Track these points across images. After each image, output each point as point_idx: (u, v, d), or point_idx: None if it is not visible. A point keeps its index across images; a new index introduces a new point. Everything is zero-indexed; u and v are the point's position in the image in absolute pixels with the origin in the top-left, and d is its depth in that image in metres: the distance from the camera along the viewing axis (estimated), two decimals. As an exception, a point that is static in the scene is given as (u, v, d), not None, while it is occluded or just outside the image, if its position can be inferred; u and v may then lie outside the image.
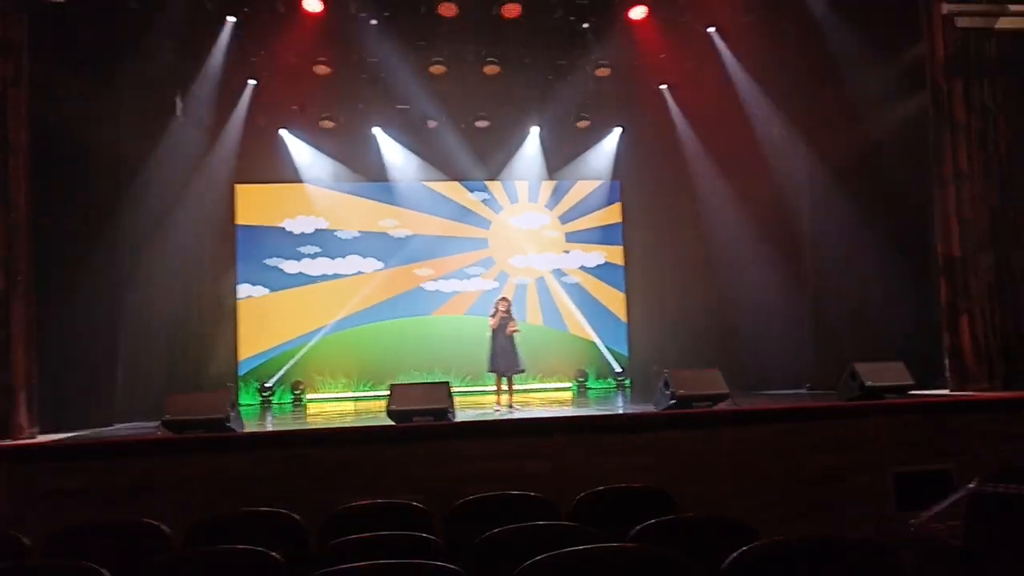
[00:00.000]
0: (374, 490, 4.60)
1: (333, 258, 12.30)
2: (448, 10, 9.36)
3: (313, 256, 12.24)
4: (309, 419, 9.07)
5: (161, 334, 10.36)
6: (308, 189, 12.21)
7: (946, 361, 7.05)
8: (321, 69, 10.21)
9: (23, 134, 6.31)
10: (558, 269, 12.79)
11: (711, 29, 10.02)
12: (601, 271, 12.84)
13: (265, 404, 11.56)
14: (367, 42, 9.95)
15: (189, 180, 10.94)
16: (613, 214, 12.94)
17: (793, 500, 5.30)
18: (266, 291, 12.03)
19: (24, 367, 6.15)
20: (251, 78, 10.65)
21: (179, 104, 10.20)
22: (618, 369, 12.56)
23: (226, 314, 11.79)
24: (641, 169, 12.62)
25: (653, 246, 12.49)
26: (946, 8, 6.97)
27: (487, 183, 12.71)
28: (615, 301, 12.77)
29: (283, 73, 10.38)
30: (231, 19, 9.43)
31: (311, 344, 12.02)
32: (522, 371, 8.92)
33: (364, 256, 12.38)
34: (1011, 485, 3.12)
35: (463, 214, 12.67)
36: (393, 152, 12.24)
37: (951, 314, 7.05)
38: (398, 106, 11.44)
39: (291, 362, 11.91)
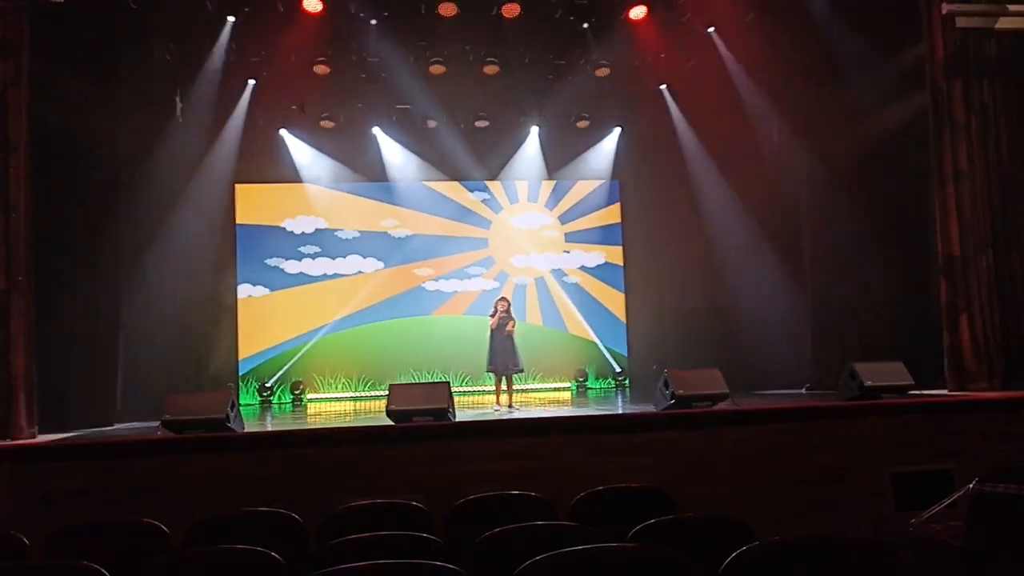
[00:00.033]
0: (374, 490, 4.60)
1: (333, 258, 12.29)
2: (448, 10, 9.36)
3: (313, 256, 12.23)
4: (309, 419, 9.07)
5: (161, 334, 10.36)
6: (308, 189, 12.21)
7: (945, 361, 7.06)
8: (321, 69, 10.20)
9: (23, 134, 6.31)
10: (558, 269, 12.79)
11: (711, 29, 10.01)
12: (601, 271, 12.84)
13: (265, 404, 11.56)
14: (367, 42, 9.95)
15: (189, 180, 10.95)
16: (613, 214, 12.94)
17: (792, 500, 5.30)
18: (266, 291, 12.03)
19: (24, 367, 6.15)
20: (251, 78, 10.65)
21: (179, 104, 10.20)
22: (618, 369, 12.56)
23: (226, 314, 11.79)
24: (641, 169, 12.62)
25: (652, 246, 12.49)
26: (946, 8, 6.97)
27: (487, 183, 12.71)
28: (614, 301, 12.77)
29: (283, 73, 10.36)
30: (231, 19, 9.43)
31: (311, 344, 12.02)
32: (521, 370, 8.93)
33: (364, 256, 12.38)
34: (1011, 485, 3.12)
35: (463, 214, 12.67)
36: (393, 152, 12.23)
37: (951, 314, 7.05)
38: (398, 106, 11.44)
39: (291, 362, 11.91)
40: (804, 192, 9.91)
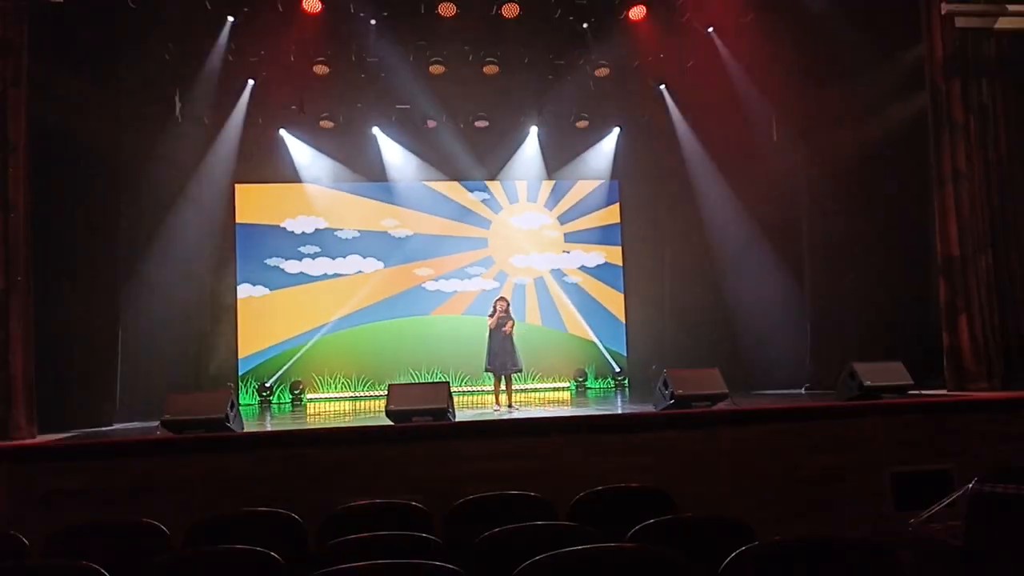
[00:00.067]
0: (373, 490, 4.60)
1: (334, 258, 12.29)
2: (447, 10, 9.37)
3: (314, 256, 12.23)
4: (308, 419, 9.07)
5: (161, 334, 10.35)
6: (308, 189, 12.20)
7: (945, 361, 7.06)
8: (320, 69, 10.20)
9: (22, 134, 6.31)
10: (557, 269, 12.80)
11: (710, 29, 10.01)
12: (600, 271, 12.84)
13: (264, 404, 11.56)
14: (366, 42, 9.95)
15: (189, 180, 10.96)
16: (612, 214, 12.94)
17: (792, 500, 5.31)
18: (266, 291, 12.03)
19: (24, 367, 6.15)
20: (250, 78, 10.65)
21: (179, 104, 10.20)
22: (617, 369, 12.56)
23: (226, 314, 11.79)
24: (640, 169, 12.62)
25: (652, 246, 12.49)
26: (945, 8, 6.97)
27: (487, 183, 12.71)
28: (614, 301, 12.77)
29: (282, 73, 10.36)
30: (231, 19, 9.43)
31: (310, 344, 12.02)
32: (519, 370, 8.94)
33: (364, 256, 12.38)
34: (1010, 485, 3.13)
35: (463, 214, 12.68)
36: (392, 152, 12.23)
37: (950, 314, 7.05)
38: (397, 106, 11.43)
39: (290, 362, 11.91)
40: (804, 192, 9.91)
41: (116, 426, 8.12)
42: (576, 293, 12.75)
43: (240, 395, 11.43)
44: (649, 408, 6.60)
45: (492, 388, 8.98)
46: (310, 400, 11.68)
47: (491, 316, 8.91)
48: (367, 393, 11.70)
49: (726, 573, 2.26)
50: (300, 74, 10.31)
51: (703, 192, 11.45)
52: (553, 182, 12.84)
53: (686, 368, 7.74)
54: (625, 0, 9.61)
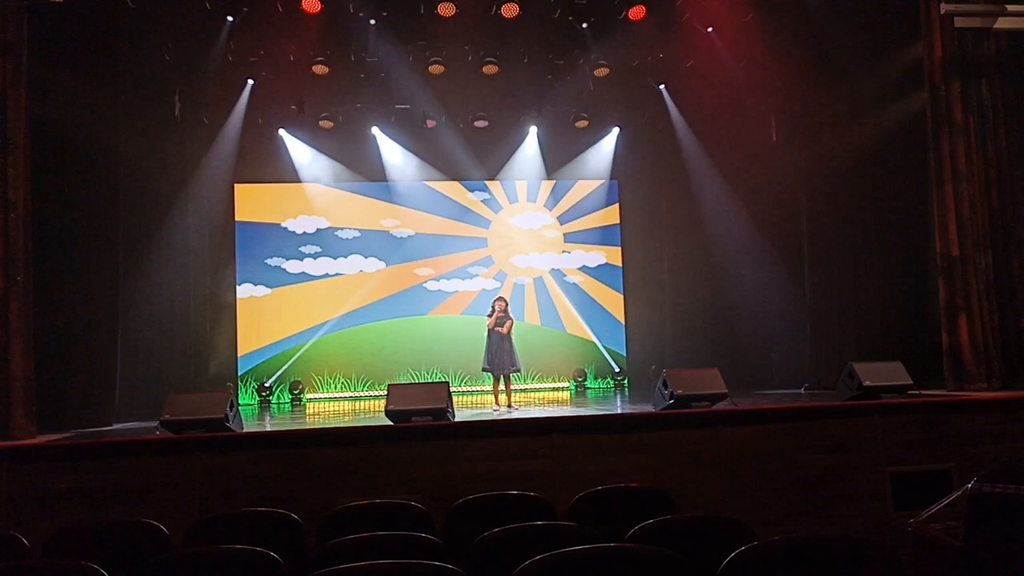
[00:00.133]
0: (373, 490, 4.62)
1: (335, 258, 12.30)
2: (447, 10, 9.36)
3: (315, 256, 12.24)
4: (308, 419, 9.07)
5: (160, 334, 10.36)
6: (308, 188, 12.21)
7: (944, 361, 7.06)
8: (320, 69, 10.20)
9: (22, 134, 6.31)
10: (557, 269, 12.80)
11: (710, 29, 10.02)
12: (600, 271, 12.84)
13: (264, 404, 11.56)
14: (366, 42, 9.96)
15: (188, 180, 10.97)
16: (612, 214, 12.94)
17: (791, 500, 5.31)
18: (266, 290, 12.03)
19: (23, 367, 6.15)
20: (250, 78, 10.65)
21: (178, 104, 10.21)
22: (616, 369, 12.57)
23: (226, 314, 11.79)
24: (639, 169, 12.63)
25: (651, 246, 12.50)
26: (944, 8, 6.97)
27: (486, 183, 12.71)
28: (613, 301, 12.77)
29: (282, 73, 10.37)
30: (230, 19, 9.42)
31: (310, 344, 12.02)
32: (517, 370, 8.93)
33: (365, 256, 12.38)
34: (1010, 485, 3.12)
35: (463, 213, 12.68)
36: (392, 152, 12.24)
37: (949, 314, 7.06)
38: (397, 106, 11.44)
39: (290, 362, 11.91)
40: (803, 192, 9.91)
41: (116, 426, 8.11)
42: (576, 293, 12.75)
43: (240, 395, 11.44)
44: (648, 408, 6.60)
45: (491, 388, 8.98)
46: (310, 400, 11.68)
47: (490, 316, 8.91)
48: (367, 393, 11.71)
49: (725, 573, 2.26)
50: (299, 74, 10.32)
51: (703, 192, 11.46)
52: (553, 182, 12.84)
53: (686, 368, 7.75)
54: (625, 0, 9.62)
